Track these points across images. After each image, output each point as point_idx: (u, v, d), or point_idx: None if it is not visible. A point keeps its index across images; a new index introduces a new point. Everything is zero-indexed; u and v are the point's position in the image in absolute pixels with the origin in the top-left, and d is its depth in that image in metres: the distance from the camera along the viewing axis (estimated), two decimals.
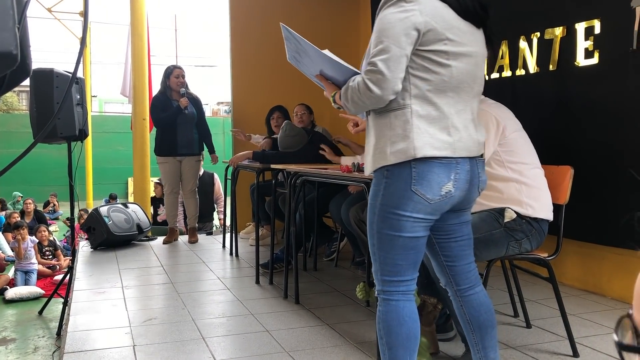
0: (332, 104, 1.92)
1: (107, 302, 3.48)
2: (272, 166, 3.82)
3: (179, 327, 2.98)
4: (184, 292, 3.70)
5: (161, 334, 2.88)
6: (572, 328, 2.56)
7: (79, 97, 5.59)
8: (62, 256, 7.55)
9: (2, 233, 8.38)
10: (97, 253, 5.12)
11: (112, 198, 13.01)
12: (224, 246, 5.28)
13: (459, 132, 1.75)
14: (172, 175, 5.46)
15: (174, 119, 5.32)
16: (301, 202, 4.14)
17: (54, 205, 13.51)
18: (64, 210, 13.16)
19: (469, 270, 1.94)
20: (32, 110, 5.57)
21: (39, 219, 9.74)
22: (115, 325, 3.03)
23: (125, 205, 5.67)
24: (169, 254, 5.06)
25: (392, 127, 1.73)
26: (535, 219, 2.42)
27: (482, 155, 1.87)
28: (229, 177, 5.05)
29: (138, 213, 5.63)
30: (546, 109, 3.67)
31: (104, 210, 5.35)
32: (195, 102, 5.49)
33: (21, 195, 12.85)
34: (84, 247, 5.37)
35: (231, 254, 4.91)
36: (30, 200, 10.37)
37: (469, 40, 1.76)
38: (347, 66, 1.84)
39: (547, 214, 2.47)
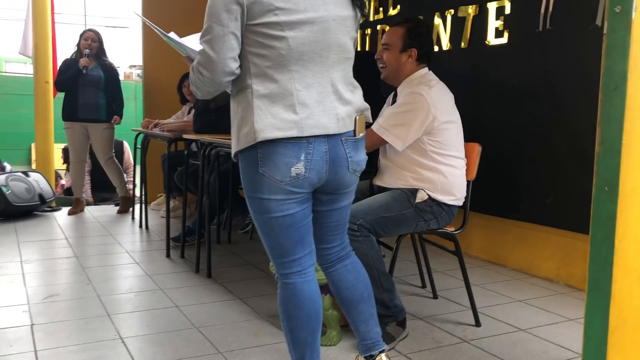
0: None
1: (3, 278, 3.26)
2: (185, 136, 3.70)
3: (83, 303, 2.85)
4: (90, 266, 3.54)
5: (63, 311, 2.74)
6: (475, 298, 2.68)
7: None
8: None
9: None
10: None
11: None
12: (133, 218, 5.09)
13: (307, 108, 1.62)
14: (77, 142, 5.21)
15: (74, 80, 5.06)
16: (215, 172, 4.05)
17: None
18: None
19: (326, 253, 1.88)
20: None
21: None
22: (12, 303, 2.85)
23: (25, 173, 5.32)
24: (74, 226, 4.82)
25: (238, 111, 1.66)
26: (447, 204, 2.48)
27: (355, 133, 1.74)
28: (139, 145, 4.85)
29: (40, 182, 5.31)
30: (456, 86, 3.72)
31: (1, 178, 5.00)
32: (107, 68, 5.22)
33: None
34: None
35: (141, 226, 4.74)
36: None
37: (310, 5, 1.61)
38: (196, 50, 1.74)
39: (459, 201, 2.53)
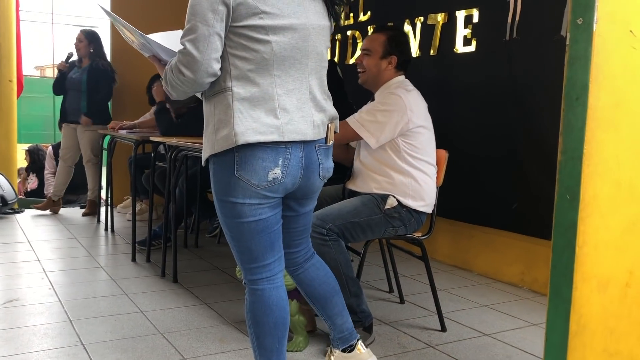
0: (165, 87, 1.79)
1: None
2: (152, 139, 3.65)
3: (44, 309, 2.78)
4: (52, 270, 3.46)
5: (22, 317, 2.67)
6: (441, 303, 2.70)
7: None
8: None
9: None
10: None
11: None
12: (98, 221, 5.00)
13: (288, 113, 1.63)
14: (65, 142, 5.32)
15: (60, 84, 5.19)
16: (182, 176, 4.01)
17: None
18: None
19: (296, 257, 1.91)
20: None
21: None
22: None
23: None
24: (38, 229, 4.71)
25: (215, 113, 1.63)
26: (416, 211, 2.50)
27: (327, 140, 1.77)
28: (105, 147, 4.77)
29: (2, 184, 5.17)
30: (425, 93, 3.76)
31: None
32: (92, 69, 5.10)
33: None
34: None
35: (106, 229, 4.66)
36: None
37: (293, 11, 1.62)
38: (170, 49, 1.72)
39: (428, 208, 2.55)
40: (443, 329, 2.64)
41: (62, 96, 5.35)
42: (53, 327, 2.55)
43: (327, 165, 1.79)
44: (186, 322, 2.65)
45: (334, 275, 2.01)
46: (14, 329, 2.52)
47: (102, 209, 4.96)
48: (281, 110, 1.61)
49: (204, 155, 1.70)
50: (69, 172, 5.37)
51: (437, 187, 2.61)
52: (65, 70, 5.18)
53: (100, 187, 5.35)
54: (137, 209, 4.24)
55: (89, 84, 5.07)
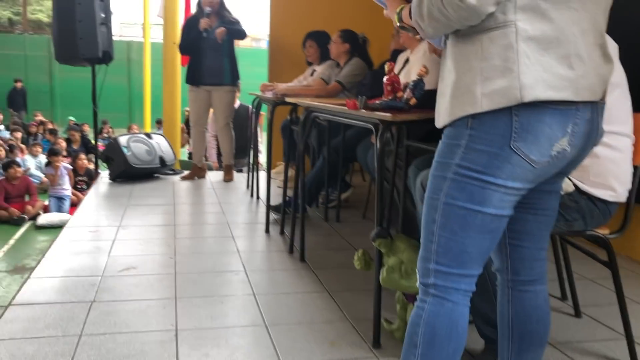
0: (396, 23, 1.37)
1: (92, 244, 3.10)
2: (287, 99, 3.27)
3: (155, 282, 2.56)
4: (182, 237, 3.29)
5: (131, 289, 2.47)
6: (634, 323, 1.95)
7: (103, 15, 5.22)
8: None
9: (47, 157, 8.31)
10: (116, 185, 4.80)
11: (158, 123, 12.74)
12: (248, 186, 4.84)
13: (584, 63, 1.17)
14: (198, 106, 4.97)
15: (197, 43, 4.77)
16: (325, 145, 3.60)
17: (108, 132, 13.52)
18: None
19: (537, 257, 1.40)
20: (54, 29, 5.27)
21: (86, 147, 9.68)
22: (86, 273, 2.64)
23: (148, 135, 5.29)
24: (188, 191, 4.68)
25: (485, 56, 1.17)
26: (601, 200, 1.76)
27: (603, 99, 1.26)
28: (254, 109, 4.54)
29: (162, 144, 5.26)
30: (629, 33, 2.90)
31: (123, 140, 5.00)
32: (232, 29, 4.78)
33: (73, 119, 12.99)
34: (103, 177, 5.07)
35: (252, 195, 4.46)
36: (85, 127, 10.46)
37: None
38: None
39: (619, 198, 1.80)
40: None
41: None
42: (154, 306, 2.29)
43: (602, 130, 1.29)
44: (299, 314, 2.24)
45: None
46: (115, 302, 2.31)
47: (253, 176, 4.77)
48: (576, 57, 1.17)
49: (452, 114, 1.22)
50: (204, 136, 5.18)
51: (635, 166, 1.83)
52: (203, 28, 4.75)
53: (233, 152, 5.14)
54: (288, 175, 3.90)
55: (230, 42, 4.74)
